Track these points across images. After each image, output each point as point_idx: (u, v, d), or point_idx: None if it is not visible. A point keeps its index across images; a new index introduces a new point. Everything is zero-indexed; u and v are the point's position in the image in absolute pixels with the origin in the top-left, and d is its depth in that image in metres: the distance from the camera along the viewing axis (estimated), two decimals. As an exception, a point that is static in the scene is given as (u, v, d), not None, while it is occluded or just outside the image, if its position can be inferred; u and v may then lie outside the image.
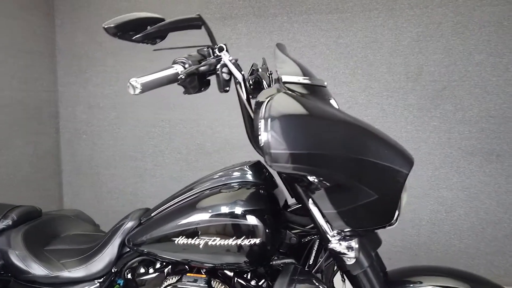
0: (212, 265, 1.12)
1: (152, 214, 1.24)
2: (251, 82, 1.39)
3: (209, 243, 1.07)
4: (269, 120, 0.89)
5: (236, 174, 1.19)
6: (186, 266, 1.18)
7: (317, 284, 0.98)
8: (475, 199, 2.58)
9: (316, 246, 1.19)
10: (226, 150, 2.95)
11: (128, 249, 1.25)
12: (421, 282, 1.09)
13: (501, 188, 2.55)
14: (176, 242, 1.10)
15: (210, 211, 1.10)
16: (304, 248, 1.20)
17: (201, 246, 1.08)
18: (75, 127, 3.20)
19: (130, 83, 0.94)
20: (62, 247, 1.34)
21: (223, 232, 1.07)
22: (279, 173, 1.19)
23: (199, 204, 1.14)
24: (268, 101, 0.91)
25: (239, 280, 1.13)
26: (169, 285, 1.12)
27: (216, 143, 2.96)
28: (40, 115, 2.96)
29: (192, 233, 1.09)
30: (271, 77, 1.24)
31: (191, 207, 1.14)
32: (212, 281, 1.11)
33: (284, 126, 0.91)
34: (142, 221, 1.25)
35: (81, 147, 3.20)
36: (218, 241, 1.06)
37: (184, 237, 1.09)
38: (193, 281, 1.10)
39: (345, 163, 0.95)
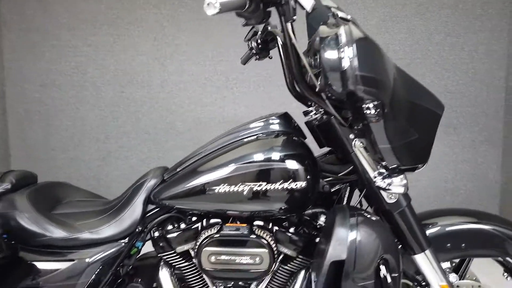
0: (250, 213, 1.10)
1: (178, 170, 1.17)
2: (259, 41, 1.39)
3: (255, 188, 1.04)
4: (352, 43, 0.89)
5: (268, 124, 1.17)
6: (218, 220, 1.14)
7: (374, 219, 1.00)
8: (436, 169, 2.80)
9: (346, 193, 1.21)
10: (198, 129, 2.87)
11: (152, 207, 1.18)
12: (436, 223, 1.19)
13: (458, 158, 2.80)
14: (216, 190, 1.06)
15: (252, 157, 1.08)
16: (328, 199, 1.22)
17: (245, 192, 1.05)
18: (25, 107, 2.89)
19: (208, 2, 0.88)
20: (72, 210, 1.22)
21: (269, 177, 1.05)
22: (308, 124, 1.19)
23: (238, 152, 1.10)
24: (344, 29, 0.91)
25: (277, 228, 1.12)
26: (208, 237, 1.07)
27: (187, 122, 2.87)
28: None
29: (235, 180, 1.05)
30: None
31: (230, 155, 1.10)
32: (254, 229, 1.08)
33: (367, 50, 0.92)
34: (165, 178, 1.19)
35: (33, 130, 2.91)
36: (264, 186, 1.04)
37: (226, 184, 1.05)
38: (235, 230, 1.07)
39: (401, 98, 0.98)
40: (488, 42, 2.70)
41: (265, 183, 1.04)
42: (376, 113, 0.90)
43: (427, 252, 1.08)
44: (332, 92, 0.93)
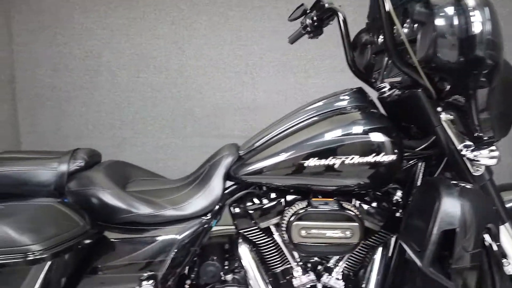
0: (336, 187, 1.09)
1: (256, 146, 1.16)
2: (315, 18, 1.39)
3: (346, 161, 1.04)
4: (484, 7, 0.88)
5: (346, 98, 1.17)
6: (302, 195, 1.13)
7: (476, 189, 1.01)
8: None
9: (421, 169, 1.22)
10: (216, 115, 2.83)
11: (230, 184, 1.16)
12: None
13: None
14: (306, 164, 1.05)
15: (341, 131, 1.07)
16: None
17: (336, 165, 1.04)
18: (36, 92, 2.78)
19: None
20: (146, 188, 1.18)
21: (361, 150, 1.05)
22: (381, 100, 1.19)
23: (324, 126, 1.10)
24: None
25: (361, 202, 1.12)
26: (297, 212, 1.06)
27: (206, 108, 2.83)
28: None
29: (326, 153, 1.05)
30: None
31: (314, 129, 1.09)
32: (342, 203, 1.08)
33: (495, 14, 0.91)
34: (241, 155, 1.17)
35: (45, 116, 2.81)
36: (356, 159, 1.04)
37: (316, 158, 1.05)
38: (324, 204, 1.06)
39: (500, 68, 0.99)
40: None
41: (357, 156, 1.04)
42: (489, 79, 0.91)
43: (507, 225, 1.10)
44: (440, 61, 0.93)
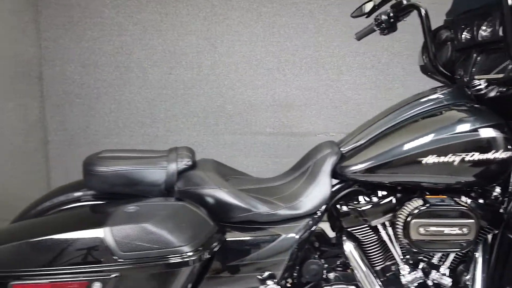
0: (449, 184, 1.10)
1: (360, 143, 1.16)
2: (391, 14, 1.40)
3: (466, 158, 1.05)
4: None
5: (449, 94, 1.18)
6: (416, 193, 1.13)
7: None
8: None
9: None
10: (248, 112, 2.82)
11: (335, 182, 1.16)
12: None
13: None
14: (423, 162, 1.06)
15: (458, 127, 1.08)
16: None
17: (455, 162, 1.05)
18: (64, 89, 2.71)
19: None
20: (250, 186, 1.17)
21: (480, 146, 1.06)
22: (478, 98, 1.21)
23: (438, 122, 1.10)
24: None
25: (471, 199, 1.14)
26: (415, 210, 1.06)
27: (238, 105, 2.81)
28: (20, 76, 2.41)
29: (444, 150, 1.06)
30: None
31: (426, 126, 1.10)
32: (457, 199, 1.09)
33: None
34: (344, 152, 1.17)
35: (73, 113, 2.74)
36: (476, 156, 1.05)
37: (435, 156, 1.05)
38: (441, 202, 1.08)
39: None
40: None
41: (478, 153, 1.05)
42: None
43: None
44: None
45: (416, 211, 1.06)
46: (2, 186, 2.03)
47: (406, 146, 1.08)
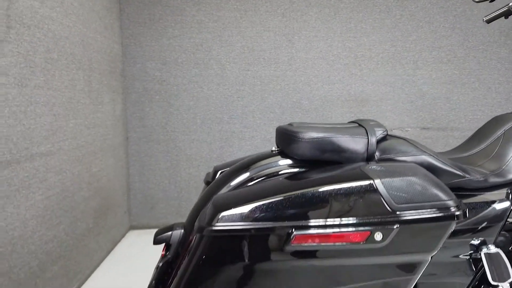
0: None
1: None
2: None
3: None
4: None
5: None
6: None
7: None
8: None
9: None
10: (324, 108, 2.82)
11: None
12: None
13: None
14: None
15: None
16: None
17: None
18: (144, 86, 2.74)
19: None
20: (449, 156, 1.17)
21: None
22: None
23: None
24: None
25: None
26: None
27: (314, 101, 2.82)
28: (108, 72, 2.44)
29: None
30: None
31: None
32: None
33: None
34: None
35: (153, 110, 2.77)
36: None
37: None
38: None
39: None
40: None
41: None
42: None
43: None
44: None
45: None
46: (94, 176, 2.05)
47: None
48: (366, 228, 0.86)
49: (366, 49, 2.80)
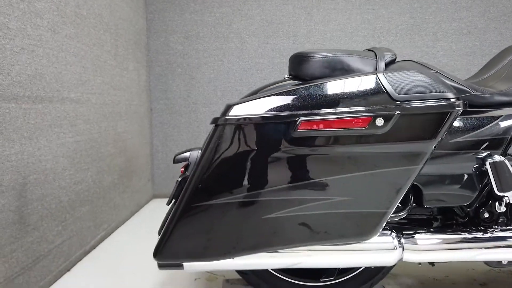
0: None
1: None
2: None
3: None
4: None
5: None
6: None
7: None
8: None
9: None
10: (343, 79, 2.85)
11: None
12: None
13: None
14: None
15: None
16: None
17: None
18: (168, 59, 2.85)
19: None
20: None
21: None
22: None
23: None
24: None
25: None
26: None
27: (333, 73, 2.85)
28: (133, 44, 2.55)
29: None
30: None
31: None
32: None
33: None
34: None
35: (175, 83, 2.87)
36: None
37: None
38: None
39: None
40: None
41: None
42: None
43: None
44: None
45: None
46: (119, 135, 2.15)
47: None
48: (369, 114, 0.91)
49: (384, 21, 2.82)
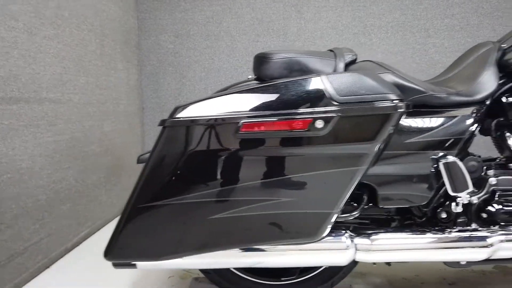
0: None
1: None
2: None
3: None
4: None
5: None
6: None
7: None
8: None
9: None
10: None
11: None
12: None
13: None
14: None
15: None
16: None
17: None
18: (159, 58, 2.87)
19: None
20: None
21: None
22: None
23: None
24: None
25: None
26: None
27: (323, 70, 2.84)
28: (123, 43, 2.57)
29: None
30: None
31: None
32: None
33: None
34: (505, 48, 1.17)
35: (167, 81, 2.89)
36: None
37: None
38: None
39: None
40: None
41: None
42: None
43: None
44: None
45: None
46: (106, 134, 2.18)
47: None
48: (309, 116, 0.91)
49: (375, 18, 2.80)
